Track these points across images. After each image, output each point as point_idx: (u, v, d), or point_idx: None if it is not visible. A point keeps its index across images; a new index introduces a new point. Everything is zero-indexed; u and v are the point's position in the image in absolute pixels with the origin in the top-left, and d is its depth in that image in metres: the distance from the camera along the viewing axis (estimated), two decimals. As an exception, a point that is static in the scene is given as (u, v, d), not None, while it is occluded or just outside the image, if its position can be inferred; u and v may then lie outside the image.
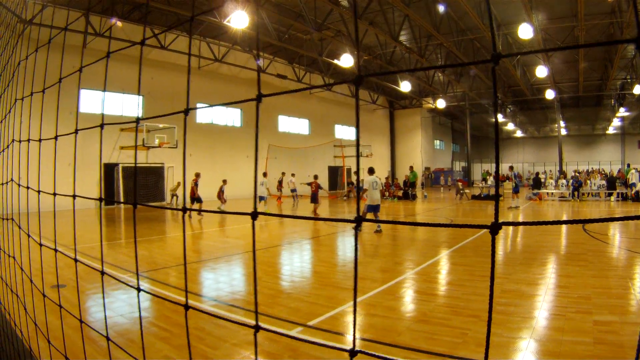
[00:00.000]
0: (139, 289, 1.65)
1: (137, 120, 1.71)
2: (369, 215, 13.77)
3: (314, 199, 20.11)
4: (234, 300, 6.70)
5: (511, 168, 25.80)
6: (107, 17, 24.09)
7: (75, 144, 2.30)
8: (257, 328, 1.21)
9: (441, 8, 24.49)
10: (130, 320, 5.67)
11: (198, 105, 30.31)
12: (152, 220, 18.61)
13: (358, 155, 1.20)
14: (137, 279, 1.72)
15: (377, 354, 1.53)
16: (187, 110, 1.49)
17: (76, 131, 2.17)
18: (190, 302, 6.40)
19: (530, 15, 22.67)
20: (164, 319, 5.74)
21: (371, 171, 14.25)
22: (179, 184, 26.59)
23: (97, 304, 6.39)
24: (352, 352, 1.07)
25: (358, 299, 6.54)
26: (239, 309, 6.24)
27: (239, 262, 9.99)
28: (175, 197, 26.26)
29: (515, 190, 24.01)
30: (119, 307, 6.20)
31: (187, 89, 1.56)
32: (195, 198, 19.98)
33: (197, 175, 20.27)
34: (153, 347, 4.78)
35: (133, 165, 26.67)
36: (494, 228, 0.89)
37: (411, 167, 32.26)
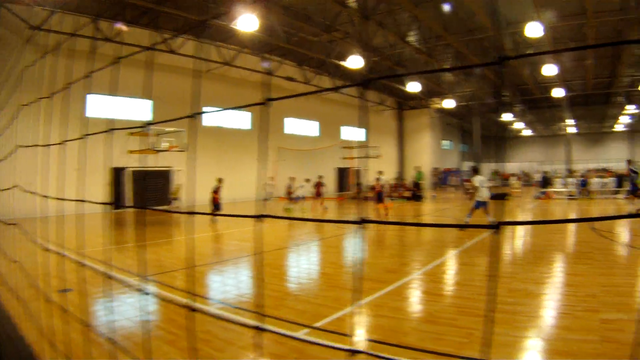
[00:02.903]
0: (146, 293, 1.67)
1: (147, 124, 1.76)
2: (478, 211, 14.76)
3: (380, 198, 19.83)
4: (241, 303, 6.70)
5: (629, 162, 21.11)
6: (116, 22, 24.19)
7: (86, 148, 2.31)
8: (260, 329, 1.22)
9: (447, 7, 24.35)
10: (136, 324, 5.69)
11: (207, 109, 30.36)
12: (161, 223, 18.68)
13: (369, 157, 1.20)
14: (143, 284, 1.73)
15: (377, 353, 1.54)
16: (195, 115, 1.52)
17: (85, 136, 2.19)
18: (197, 304, 6.43)
19: (538, 13, 22.54)
20: (170, 322, 5.75)
21: (476, 170, 15.38)
22: (178, 187, 26.41)
23: (103, 308, 6.42)
24: (353, 352, 1.08)
25: (365, 300, 6.55)
26: (246, 312, 6.24)
27: (247, 264, 10.00)
28: (176, 201, 25.92)
29: (632, 191, 19.49)
30: (125, 310, 6.22)
31: (195, 92, 1.57)
32: (216, 204, 19.66)
33: (220, 181, 20.06)
34: (159, 350, 4.80)
35: (140, 169, 26.73)
36: (498, 227, 0.90)
37: (417, 168, 32.15)
